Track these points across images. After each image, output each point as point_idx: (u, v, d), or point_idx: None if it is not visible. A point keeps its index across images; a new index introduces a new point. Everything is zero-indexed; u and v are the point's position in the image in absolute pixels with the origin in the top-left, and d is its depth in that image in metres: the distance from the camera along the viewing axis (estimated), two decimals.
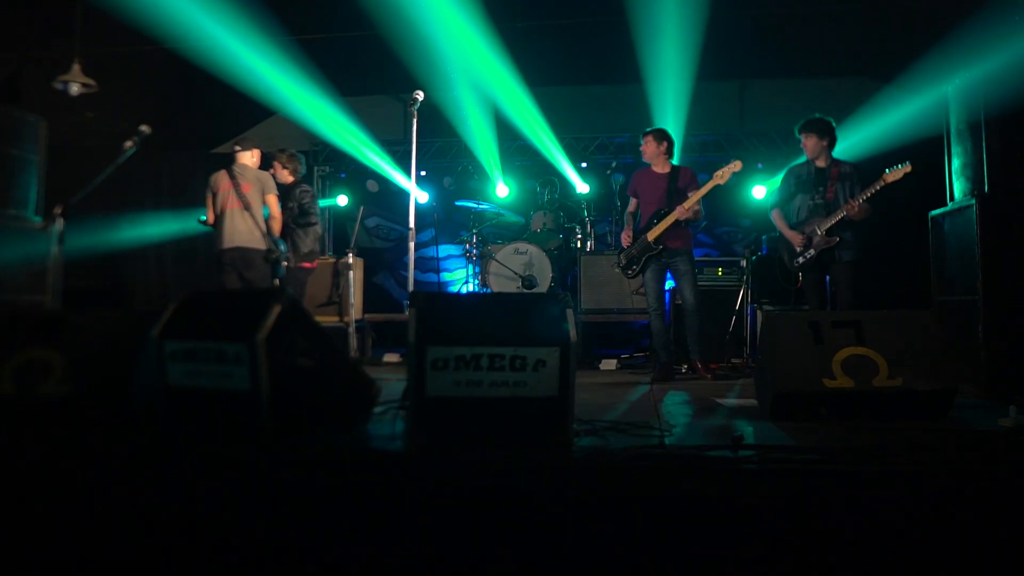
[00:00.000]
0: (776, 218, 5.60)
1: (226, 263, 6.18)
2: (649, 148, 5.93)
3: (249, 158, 6.47)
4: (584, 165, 9.78)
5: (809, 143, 5.38)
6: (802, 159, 5.58)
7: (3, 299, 5.11)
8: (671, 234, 5.72)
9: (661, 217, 5.73)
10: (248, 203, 6.19)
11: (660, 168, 5.92)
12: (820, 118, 5.42)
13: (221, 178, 6.32)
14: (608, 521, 2.35)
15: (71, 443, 2.93)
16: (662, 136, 5.92)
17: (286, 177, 6.78)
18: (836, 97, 8.79)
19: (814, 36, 7.99)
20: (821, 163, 5.38)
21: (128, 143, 4.95)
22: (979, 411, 3.93)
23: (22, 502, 2.58)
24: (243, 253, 6.16)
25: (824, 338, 3.66)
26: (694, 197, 5.64)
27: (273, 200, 6.38)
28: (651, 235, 5.75)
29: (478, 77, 8.64)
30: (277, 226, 6.37)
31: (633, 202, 6.05)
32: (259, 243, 6.20)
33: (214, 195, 6.30)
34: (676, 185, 5.77)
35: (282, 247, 6.36)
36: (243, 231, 6.16)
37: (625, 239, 5.96)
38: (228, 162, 6.44)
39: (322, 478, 2.61)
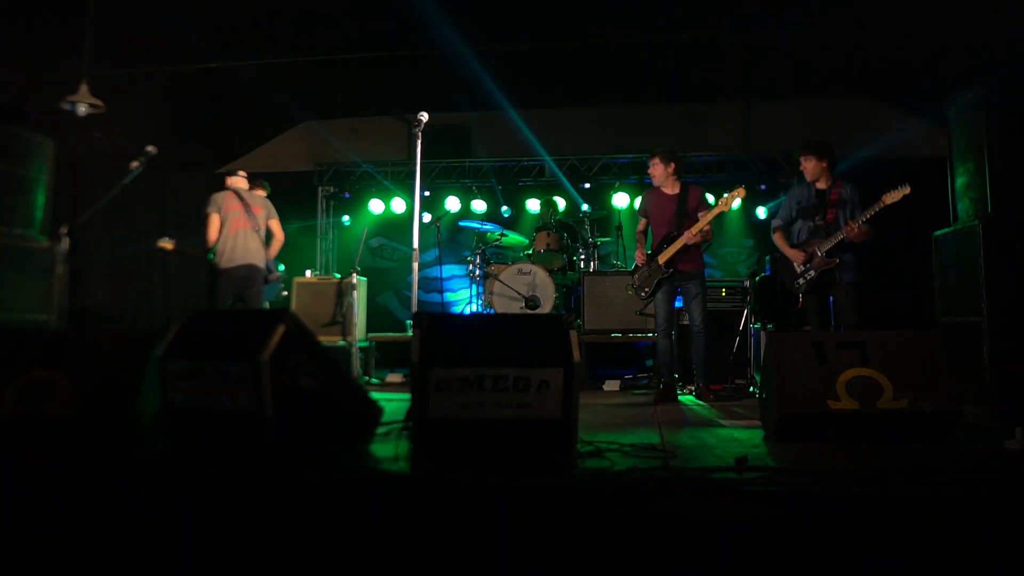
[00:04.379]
0: (777, 239, 5.60)
1: (229, 282, 6.34)
2: (657, 171, 5.90)
3: (246, 183, 6.77)
4: (587, 186, 9.82)
5: (808, 165, 5.39)
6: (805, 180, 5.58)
7: (8, 318, 5.13)
8: (681, 257, 5.74)
9: (671, 241, 5.74)
10: (259, 225, 6.51)
11: (670, 189, 5.90)
12: (819, 140, 5.43)
13: (230, 199, 6.49)
14: (612, 543, 2.34)
15: (75, 463, 2.93)
16: (669, 157, 5.86)
17: None
18: (840, 118, 8.83)
19: (818, 58, 8.03)
20: (821, 185, 5.38)
21: (134, 163, 4.98)
22: (984, 433, 3.91)
23: (26, 522, 2.58)
24: (250, 271, 6.41)
25: (828, 359, 3.65)
26: (701, 223, 5.63)
27: (277, 224, 6.74)
28: (662, 258, 5.77)
29: (481, 98, 8.69)
30: (277, 248, 6.73)
31: (643, 221, 6.07)
32: (263, 262, 6.54)
33: (221, 215, 6.40)
34: (686, 206, 5.77)
35: (280, 269, 6.71)
36: (253, 250, 6.44)
37: (639, 258, 5.97)
38: (222, 184, 6.73)
39: (325, 499, 2.60)
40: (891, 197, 4.92)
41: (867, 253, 5.27)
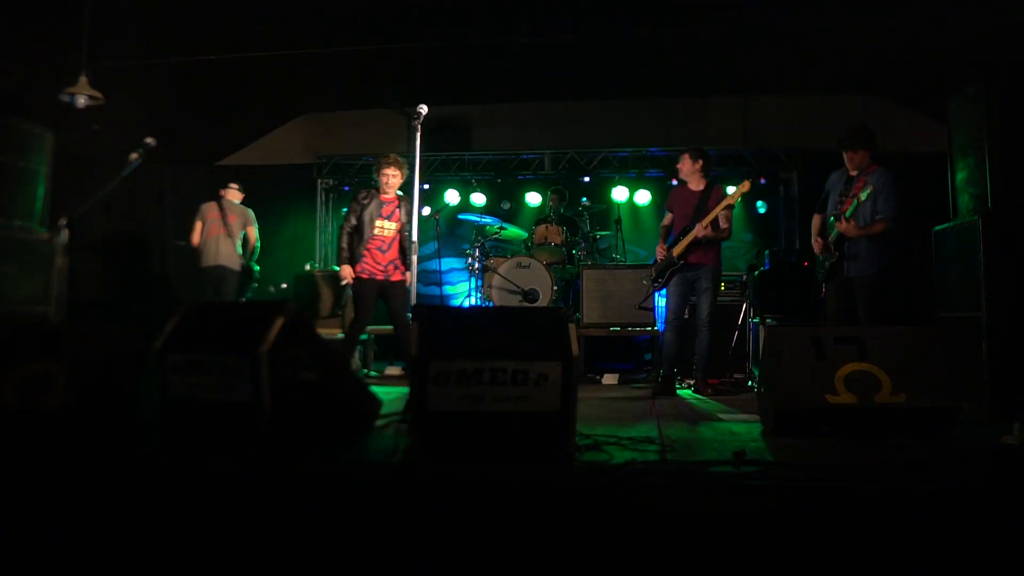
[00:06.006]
0: (813, 224, 5.54)
1: (206, 279, 7.40)
2: (685, 166, 6.05)
3: (236, 195, 7.72)
4: (586, 179, 9.81)
5: (856, 157, 5.18)
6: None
7: (7, 310, 5.12)
8: (694, 250, 5.81)
9: (685, 233, 5.84)
10: (232, 232, 7.49)
11: (695, 185, 6.02)
12: (861, 128, 5.25)
13: (211, 208, 7.56)
14: (609, 536, 2.34)
15: (73, 455, 2.93)
16: (698, 155, 6.03)
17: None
18: (839, 113, 8.81)
19: (818, 53, 8.01)
20: (853, 172, 5.23)
21: (133, 155, 4.97)
22: (982, 429, 3.91)
23: (24, 513, 2.58)
24: (223, 271, 7.42)
25: (826, 353, 3.65)
26: (708, 217, 5.70)
27: (252, 231, 7.73)
28: (676, 250, 5.87)
29: (481, 91, 8.68)
30: (249, 253, 7.68)
31: (668, 216, 6.18)
32: (236, 265, 7.51)
33: (203, 222, 7.50)
34: (707, 203, 5.84)
35: (256, 269, 7.75)
36: (225, 253, 7.44)
37: (659, 252, 6.05)
38: (221, 178, 7.87)
39: (323, 491, 2.61)
40: (856, 192, 4.92)
41: (885, 246, 5.08)
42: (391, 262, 6.07)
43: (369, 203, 6.05)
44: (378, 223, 6.02)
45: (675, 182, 6.25)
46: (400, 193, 6.12)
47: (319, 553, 2.40)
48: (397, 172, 6.00)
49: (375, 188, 6.10)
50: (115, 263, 9.38)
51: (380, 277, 6.02)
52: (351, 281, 6.09)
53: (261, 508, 2.54)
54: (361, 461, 3.08)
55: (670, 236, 6.06)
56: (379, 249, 6.02)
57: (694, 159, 6.00)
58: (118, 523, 2.53)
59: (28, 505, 2.61)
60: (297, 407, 3.11)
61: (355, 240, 6.05)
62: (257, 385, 2.94)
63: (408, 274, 5.96)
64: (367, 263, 6.02)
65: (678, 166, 6.14)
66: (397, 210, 6.07)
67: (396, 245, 6.09)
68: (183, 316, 3.34)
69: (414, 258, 4.93)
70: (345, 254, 6.05)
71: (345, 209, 10.13)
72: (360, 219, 6.03)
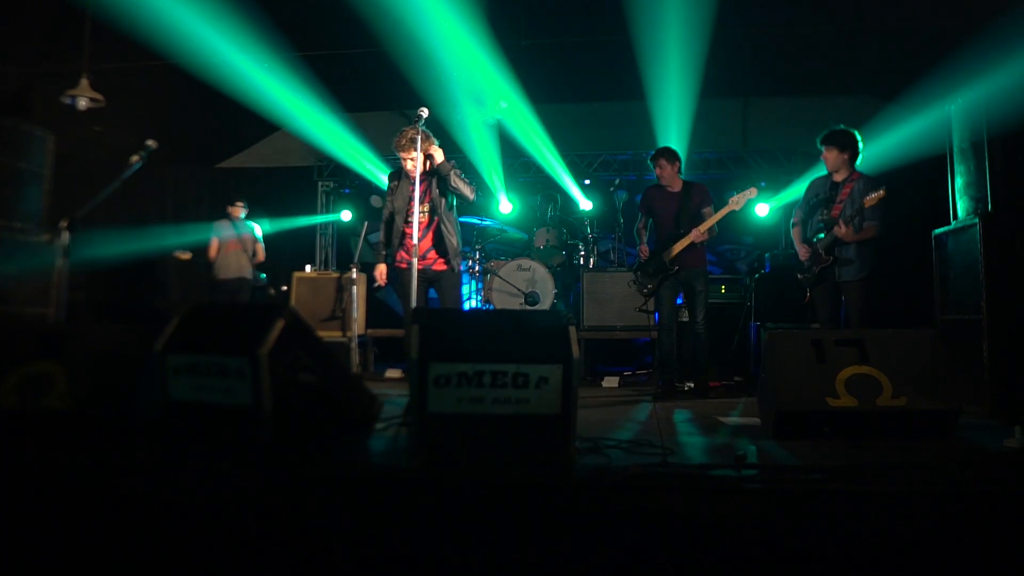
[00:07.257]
0: (794, 233, 5.56)
1: (223, 289, 8.39)
2: (666, 171, 5.88)
3: (241, 212, 8.68)
4: (587, 182, 9.82)
5: (830, 156, 5.24)
6: (824, 171, 5.42)
7: (7, 312, 5.13)
8: (686, 255, 5.76)
9: (677, 239, 5.75)
10: (246, 247, 8.57)
11: (674, 187, 5.92)
12: (842, 130, 5.29)
13: (225, 226, 8.60)
14: (609, 539, 2.34)
15: (72, 456, 2.93)
16: (675, 156, 5.92)
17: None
18: (839, 115, 8.76)
19: (817, 55, 8.02)
20: (838, 177, 5.26)
21: (134, 157, 4.97)
22: (984, 431, 3.90)
23: (24, 514, 2.58)
24: (241, 283, 8.50)
25: (827, 357, 3.64)
26: (709, 222, 5.65)
27: (260, 247, 8.77)
28: (667, 256, 5.78)
29: (482, 94, 8.68)
30: (257, 263, 8.79)
31: (644, 218, 6.06)
32: (249, 275, 8.59)
33: (219, 239, 8.52)
34: (690, 203, 5.78)
35: (263, 278, 8.84)
36: (243, 266, 8.55)
37: (643, 253, 5.96)
38: (224, 211, 8.72)
39: (323, 494, 2.60)
40: (870, 201, 4.91)
41: (874, 250, 5.11)
42: (429, 249, 5.45)
43: (397, 189, 5.52)
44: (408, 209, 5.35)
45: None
46: (438, 159, 5.41)
47: (319, 555, 2.40)
48: (414, 153, 5.13)
49: (402, 172, 5.52)
50: (116, 265, 9.38)
51: (419, 265, 5.15)
52: (382, 283, 5.61)
53: (261, 510, 2.54)
54: (361, 463, 3.07)
55: (649, 237, 6.00)
56: (412, 237, 5.20)
57: (672, 161, 5.88)
58: (118, 525, 2.53)
59: (28, 506, 2.61)
60: (297, 409, 3.11)
61: (391, 233, 5.51)
62: (258, 387, 2.94)
63: (455, 264, 5.53)
64: (403, 252, 5.42)
65: (657, 172, 5.92)
66: (428, 191, 5.42)
67: (432, 231, 5.45)
68: (183, 318, 3.34)
69: (414, 260, 4.92)
70: (381, 251, 5.58)
71: (346, 208, 10.29)
72: (393, 208, 5.51)
